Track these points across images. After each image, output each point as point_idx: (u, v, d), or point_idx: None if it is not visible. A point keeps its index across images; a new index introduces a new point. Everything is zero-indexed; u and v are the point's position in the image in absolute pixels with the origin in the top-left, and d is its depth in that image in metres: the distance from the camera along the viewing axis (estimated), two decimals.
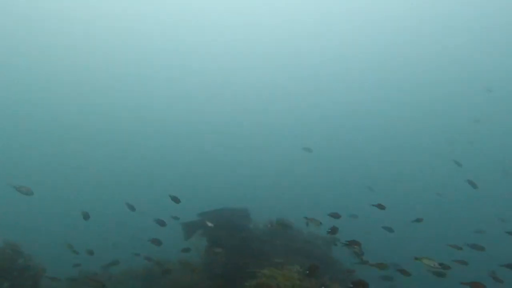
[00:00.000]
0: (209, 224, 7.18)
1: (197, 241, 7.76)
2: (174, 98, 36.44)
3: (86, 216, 7.49)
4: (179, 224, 7.91)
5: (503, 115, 27.98)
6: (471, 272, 6.52)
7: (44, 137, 31.11)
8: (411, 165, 23.98)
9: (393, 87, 33.90)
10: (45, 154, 29.29)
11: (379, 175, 21.82)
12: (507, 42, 28.91)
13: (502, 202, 18.04)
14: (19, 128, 31.92)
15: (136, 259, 7.96)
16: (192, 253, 7.86)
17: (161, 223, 7.43)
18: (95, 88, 35.47)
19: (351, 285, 4.38)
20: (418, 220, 8.07)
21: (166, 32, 35.84)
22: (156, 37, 36.02)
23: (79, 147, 29.76)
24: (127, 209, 8.04)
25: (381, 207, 6.30)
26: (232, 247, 7.43)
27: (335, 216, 7.43)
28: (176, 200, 7.21)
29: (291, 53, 35.96)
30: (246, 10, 34.38)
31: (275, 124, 33.13)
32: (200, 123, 33.26)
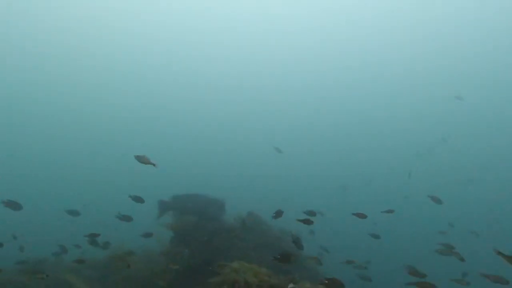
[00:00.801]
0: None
1: (162, 230, 7.35)
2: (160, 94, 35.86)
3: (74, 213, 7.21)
4: (155, 201, 7.72)
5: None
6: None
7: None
8: (384, 167, 24.38)
9: (369, 88, 34.47)
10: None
11: (354, 175, 22.06)
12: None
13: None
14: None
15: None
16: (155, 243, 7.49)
17: (139, 199, 6.92)
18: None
19: (325, 281, 4.18)
20: (390, 211, 8.00)
21: (169, 33, 35.17)
22: (157, 38, 35.49)
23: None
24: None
25: (362, 216, 6.18)
26: (199, 239, 7.10)
27: (311, 213, 7.32)
28: (139, 200, 6.77)
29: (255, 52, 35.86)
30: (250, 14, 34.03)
31: (257, 124, 33.09)
32: (196, 124, 33.20)
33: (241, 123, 33.22)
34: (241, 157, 27.60)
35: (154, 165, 4.70)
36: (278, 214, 6.47)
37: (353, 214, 6.46)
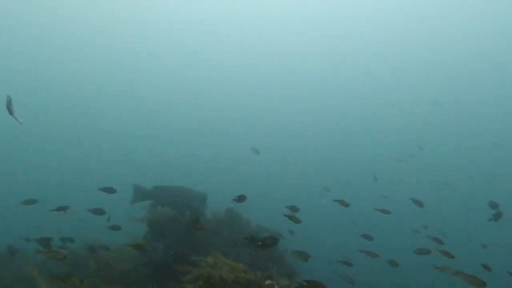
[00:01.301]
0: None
1: (136, 224, 7.05)
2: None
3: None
4: (131, 185, 7.34)
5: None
6: None
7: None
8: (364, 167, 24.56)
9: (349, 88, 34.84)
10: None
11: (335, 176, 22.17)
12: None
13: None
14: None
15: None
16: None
17: (110, 190, 6.55)
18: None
19: (304, 283, 3.93)
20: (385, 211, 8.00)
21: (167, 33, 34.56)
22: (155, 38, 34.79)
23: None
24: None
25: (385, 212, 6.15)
26: (174, 235, 6.85)
27: (294, 209, 7.22)
28: (110, 191, 6.36)
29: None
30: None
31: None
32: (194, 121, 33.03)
33: (228, 120, 33.07)
34: (225, 153, 27.51)
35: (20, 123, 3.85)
36: (241, 198, 6.21)
37: (376, 209, 6.39)
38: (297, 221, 5.34)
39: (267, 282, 4.36)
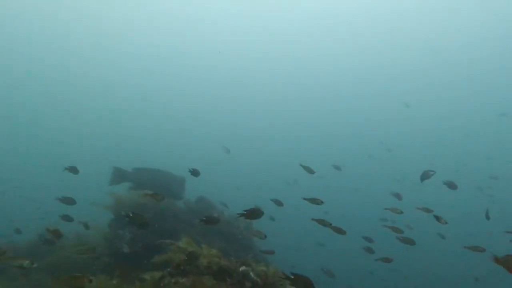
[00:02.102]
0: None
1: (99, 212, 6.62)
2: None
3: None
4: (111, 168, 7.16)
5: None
6: None
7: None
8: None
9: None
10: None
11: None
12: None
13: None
14: None
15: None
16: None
17: (74, 170, 6.15)
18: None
19: (292, 277, 3.67)
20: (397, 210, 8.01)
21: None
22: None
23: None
24: None
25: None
26: (142, 224, 6.48)
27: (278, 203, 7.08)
28: (74, 171, 6.01)
29: None
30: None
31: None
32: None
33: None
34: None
35: None
36: (195, 172, 5.96)
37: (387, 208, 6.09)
38: (327, 224, 5.00)
39: (242, 268, 4.12)
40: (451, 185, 7.30)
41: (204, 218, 4.67)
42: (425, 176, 6.30)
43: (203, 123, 32.88)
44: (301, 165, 5.96)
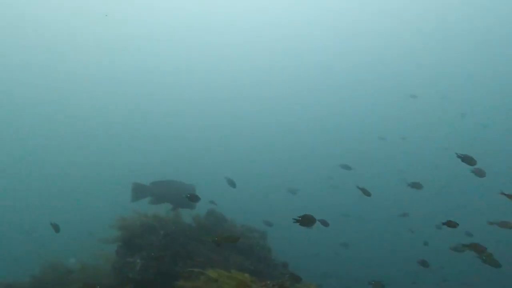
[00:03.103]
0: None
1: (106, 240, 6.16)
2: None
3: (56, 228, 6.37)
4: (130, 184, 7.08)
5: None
6: None
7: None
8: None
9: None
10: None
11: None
12: None
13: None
14: None
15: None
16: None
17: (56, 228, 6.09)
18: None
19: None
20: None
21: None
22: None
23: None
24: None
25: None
26: (151, 245, 6.02)
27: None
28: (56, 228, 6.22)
29: None
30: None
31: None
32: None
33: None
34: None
35: None
36: (193, 198, 5.82)
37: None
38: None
39: None
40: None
41: (217, 238, 4.68)
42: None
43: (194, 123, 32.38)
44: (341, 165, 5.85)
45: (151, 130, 30.54)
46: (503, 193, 5.38)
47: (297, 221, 4.11)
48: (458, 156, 4.79)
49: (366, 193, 7.08)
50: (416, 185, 7.65)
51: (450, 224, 5.20)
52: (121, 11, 32.04)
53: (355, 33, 32.82)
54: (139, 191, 7.00)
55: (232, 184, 7.95)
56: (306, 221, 4.18)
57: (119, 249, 5.96)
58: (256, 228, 7.75)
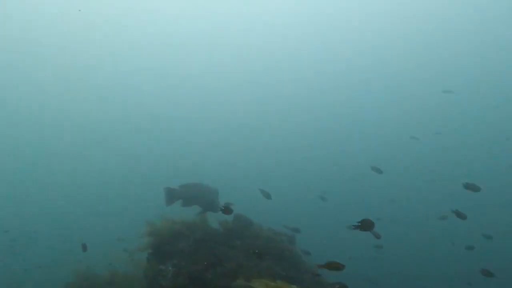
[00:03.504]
0: None
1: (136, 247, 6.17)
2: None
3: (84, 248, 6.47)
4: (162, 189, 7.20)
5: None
6: None
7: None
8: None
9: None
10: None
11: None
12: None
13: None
14: None
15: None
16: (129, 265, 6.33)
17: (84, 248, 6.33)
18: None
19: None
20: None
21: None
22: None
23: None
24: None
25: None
26: (182, 252, 5.99)
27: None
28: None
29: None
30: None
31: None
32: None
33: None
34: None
35: None
36: (227, 210, 5.74)
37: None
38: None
39: None
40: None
41: (257, 251, 4.94)
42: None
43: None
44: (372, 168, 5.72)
45: (174, 134, 30.76)
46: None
47: (356, 226, 4.10)
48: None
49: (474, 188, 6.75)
50: (472, 187, 7.16)
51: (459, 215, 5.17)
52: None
53: (386, 30, 31.97)
54: (171, 195, 7.09)
55: (267, 196, 7.90)
56: (366, 225, 4.19)
57: (150, 256, 5.96)
58: (284, 232, 7.66)
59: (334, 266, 4.49)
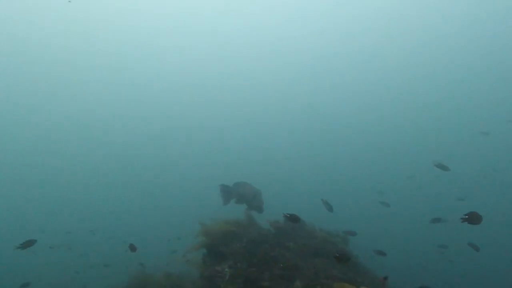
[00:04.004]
0: None
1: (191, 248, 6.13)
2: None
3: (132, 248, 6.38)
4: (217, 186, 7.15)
5: None
6: None
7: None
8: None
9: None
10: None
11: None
12: None
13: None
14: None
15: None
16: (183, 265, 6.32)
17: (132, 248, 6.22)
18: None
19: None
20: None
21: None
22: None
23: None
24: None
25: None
26: (236, 254, 5.88)
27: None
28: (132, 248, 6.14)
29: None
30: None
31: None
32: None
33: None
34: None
35: None
36: (294, 218, 5.45)
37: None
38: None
39: None
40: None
41: (338, 255, 4.64)
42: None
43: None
44: (436, 165, 5.38)
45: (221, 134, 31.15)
46: None
47: (465, 219, 4.04)
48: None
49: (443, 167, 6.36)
50: (442, 167, 6.71)
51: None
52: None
53: None
54: (227, 193, 7.01)
55: (329, 208, 7.63)
56: (473, 218, 4.11)
57: (205, 257, 5.90)
58: (337, 233, 7.35)
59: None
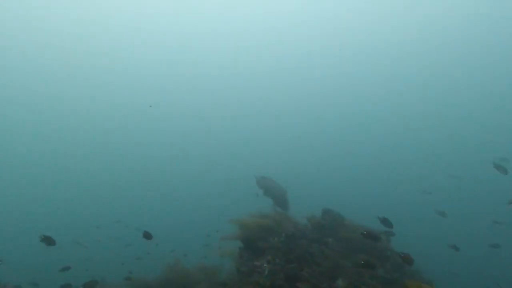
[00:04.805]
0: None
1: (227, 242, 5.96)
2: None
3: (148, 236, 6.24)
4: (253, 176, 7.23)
5: None
6: None
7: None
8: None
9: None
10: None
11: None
12: None
13: None
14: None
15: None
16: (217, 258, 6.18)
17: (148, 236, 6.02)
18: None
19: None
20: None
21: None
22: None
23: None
24: None
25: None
26: (273, 249, 5.64)
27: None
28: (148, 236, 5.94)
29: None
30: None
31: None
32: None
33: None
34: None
35: None
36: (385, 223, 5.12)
37: None
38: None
39: None
40: None
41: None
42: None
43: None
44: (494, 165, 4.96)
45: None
46: None
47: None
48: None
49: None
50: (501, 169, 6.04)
51: None
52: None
53: None
54: (264, 185, 7.03)
55: (443, 214, 7.35)
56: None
57: (242, 251, 5.71)
58: (379, 229, 6.96)
59: None
